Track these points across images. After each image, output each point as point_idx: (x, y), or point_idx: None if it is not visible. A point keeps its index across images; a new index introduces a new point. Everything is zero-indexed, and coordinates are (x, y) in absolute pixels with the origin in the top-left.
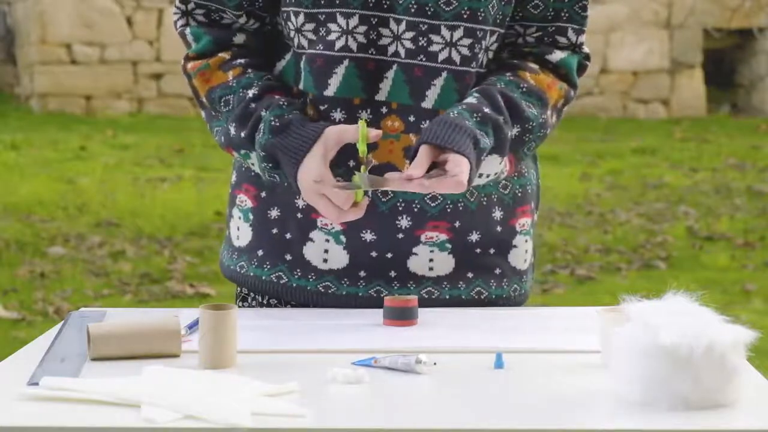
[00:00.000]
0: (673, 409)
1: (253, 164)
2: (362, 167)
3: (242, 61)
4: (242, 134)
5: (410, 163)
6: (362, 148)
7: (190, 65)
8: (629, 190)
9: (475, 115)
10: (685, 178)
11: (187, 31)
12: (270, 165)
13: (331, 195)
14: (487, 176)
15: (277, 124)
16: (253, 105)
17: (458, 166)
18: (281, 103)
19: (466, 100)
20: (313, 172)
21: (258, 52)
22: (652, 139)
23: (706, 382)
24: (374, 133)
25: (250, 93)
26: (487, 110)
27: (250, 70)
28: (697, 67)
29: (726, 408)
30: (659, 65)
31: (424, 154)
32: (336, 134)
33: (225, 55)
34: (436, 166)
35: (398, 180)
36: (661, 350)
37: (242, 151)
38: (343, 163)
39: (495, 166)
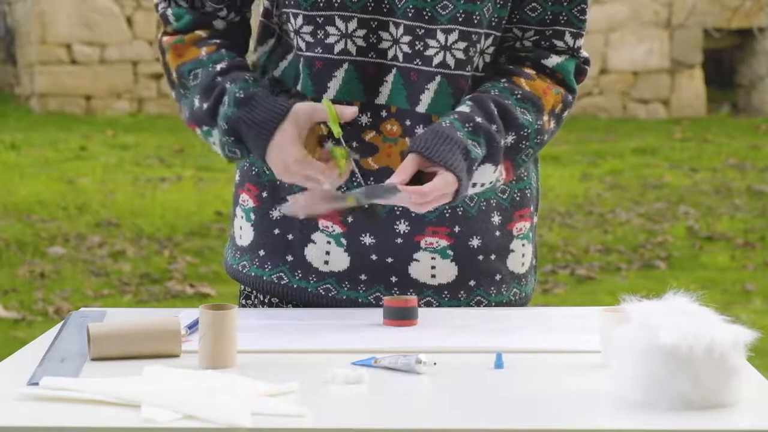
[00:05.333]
0: (673, 409)
1: (214, 143)
2: (343, 148)
3: (218, 41)
4: (205, 106)
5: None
6: (336, 129)
7: (165, 38)
8: (629, 190)
9: (466, 125)
10: (685, 178)
11: (169, 11)
12: (232, 139)
13: (315, 173)
14: (482, 185)
15: (242, 96)
16: (219, 78)
17: (447, 186)
18: (247, 77)
19: (458, 109)
20: (291, 152)
21: (236, 44)
22: (652, 139)
23: (706, 382)
24: (350, 111)
25: (219, 67)
26: (479, 119)
27: (223, 50)
28: (697, 67)
29: (726, 408)
30: (659, 65)
31: (409, 163)
32: (307, 113)
33: (202, 33)
34: (423, 175)
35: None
36: (661, 350)
37: (204, 128)
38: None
39: (489, 176)
